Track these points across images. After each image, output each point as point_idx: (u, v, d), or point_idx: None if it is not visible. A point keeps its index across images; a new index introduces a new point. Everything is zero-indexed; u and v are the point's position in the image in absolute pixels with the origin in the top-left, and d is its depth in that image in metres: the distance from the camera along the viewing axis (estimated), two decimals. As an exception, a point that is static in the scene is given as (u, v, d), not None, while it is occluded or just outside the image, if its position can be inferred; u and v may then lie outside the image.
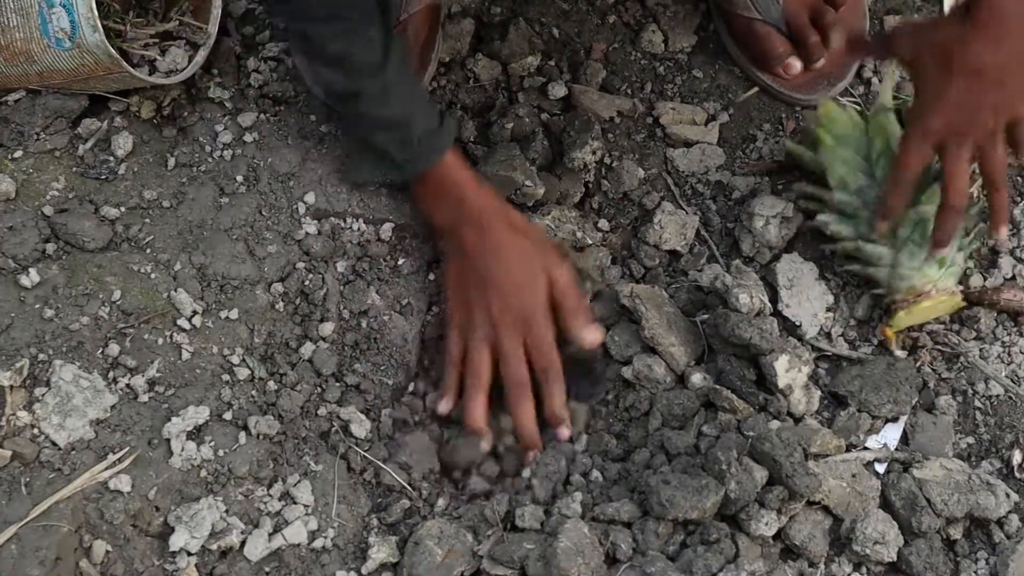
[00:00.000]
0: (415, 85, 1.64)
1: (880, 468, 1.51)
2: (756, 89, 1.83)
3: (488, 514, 1.46)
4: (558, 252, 1.61)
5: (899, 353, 1.61)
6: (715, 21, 1.87)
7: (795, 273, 1.64)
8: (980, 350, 1.63)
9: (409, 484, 1.53)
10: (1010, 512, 1.47)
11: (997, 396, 1.59)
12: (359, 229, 1.67)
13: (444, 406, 1.57)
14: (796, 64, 1.80)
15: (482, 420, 1.53)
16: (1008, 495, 1.46)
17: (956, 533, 1.47)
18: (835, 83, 1.82)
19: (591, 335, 1.56)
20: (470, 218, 1.57)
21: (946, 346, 1.63)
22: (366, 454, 1.52)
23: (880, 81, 1.85)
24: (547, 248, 1.60)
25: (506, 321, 1.53)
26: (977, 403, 1.59)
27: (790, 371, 1.52)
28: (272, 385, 1.54)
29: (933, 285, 1.56)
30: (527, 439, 1.53)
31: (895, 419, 1.56)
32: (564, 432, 1.55)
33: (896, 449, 1.53)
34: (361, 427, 1.53)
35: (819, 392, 1.56)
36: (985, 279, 1.69)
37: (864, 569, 1.45)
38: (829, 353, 1.60)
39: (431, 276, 1.69)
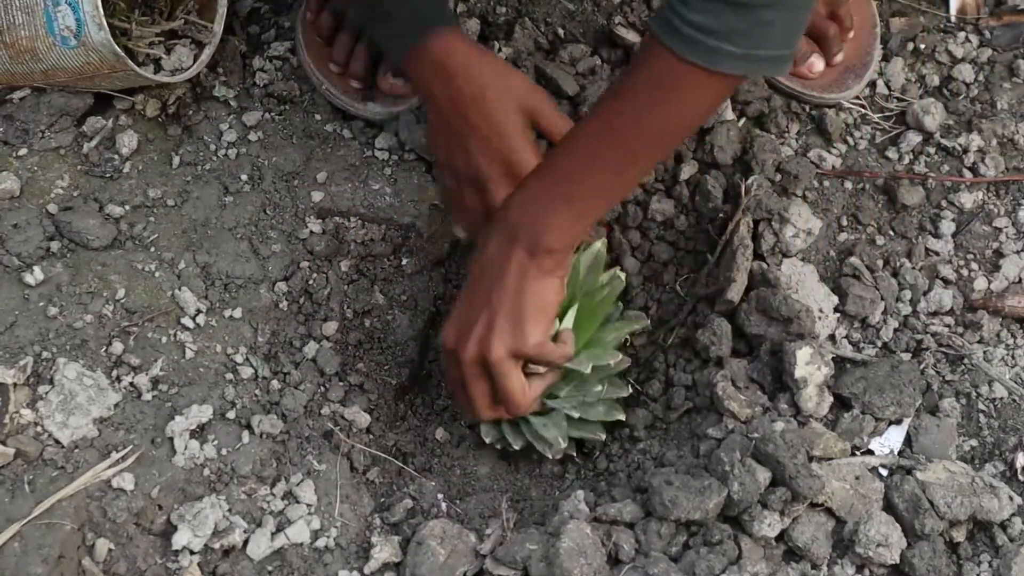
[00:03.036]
0: None
1: (883, 471, 1.51)
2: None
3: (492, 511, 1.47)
4: (545, 95, 1.57)
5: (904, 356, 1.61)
6: None
7: (798, 276, 1.64)
8: (984, 352, 1.62)
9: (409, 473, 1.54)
10: (1013, 515, 1.47)
11: (1001, 399, 1.59)
12: (363, 228, 1.67)
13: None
14: (819, 63, 1.79)
15: None
16: (1012, 498, 1.46)
17: (959, 536, 1.47)
18: (862, 75, 1.81)
19: None
20: (449, 73, 1.51)
21: (950, 348, 1.63)
22: (366, 448, 1.53)
23: (887, 83, 1.85)
24: (529, 86, 1.55)
25: (486, 161, 1.50)
26: (981, 406, 1.59)
27: (810, 365, 1.52)
28: (275, 384, 1.54)
29: None
30: None
31: (898, 421, 1.55)
32: None
33: (899, 452, 1.53)
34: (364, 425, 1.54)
35: (831, 397, 1.56)
36: (989, 282, 1.69)
37: (867, 571, 1.44)
38: (834, 355, 1.60)
39: (434, 275, 1.69)
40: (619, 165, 1.39)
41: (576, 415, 1.50)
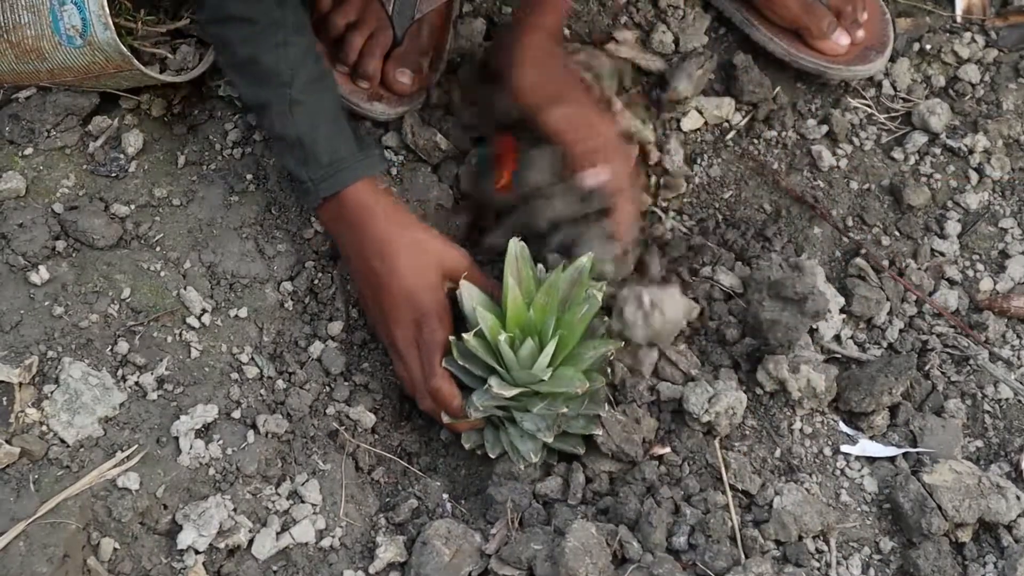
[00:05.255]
0: (330, 107, 1.56)
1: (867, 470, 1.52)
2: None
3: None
4: (462, 255, 1.57)
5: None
6: (742, 24, 1.85)
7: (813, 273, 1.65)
8: (989, 353, 1.62)
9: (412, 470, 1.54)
10: (1020, 516, 1.47)
11: (1006, 400, 1.59)
12: (368, 228, 1.67)
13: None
14: (844, 38, 1.81)
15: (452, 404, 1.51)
16: (1019, 498, 1.46)
17: (964, 536, 1.46)
18: (883, 51, 1.83)
19: None
20: (362, 232, 1.54)
21: (955, 349, 1.63)
22: (371, 448, 1.53)
23: (892, 83, 1.85)
24: (448, 249, 1.56)
25: (399, 325, 1.53)
26: (986, 406, 1.59)
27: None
28: (281, 384, 1.54)
29: None
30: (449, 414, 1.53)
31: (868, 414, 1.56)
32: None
33: (904, 452, 1.53)
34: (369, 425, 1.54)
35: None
36: (995, 283, 1.68)
37: (871, 571, 1.44)
38: (839, 356, 1.60)
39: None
40: None
41: (546, 438, 1.49)
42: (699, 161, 1.80)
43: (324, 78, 1.56)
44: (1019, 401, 1.59)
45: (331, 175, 1.52)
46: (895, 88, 1.85)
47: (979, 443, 1.57)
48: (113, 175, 1.64)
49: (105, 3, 1.52)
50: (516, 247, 1.49)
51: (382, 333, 1.57)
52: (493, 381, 1.45)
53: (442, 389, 1.49)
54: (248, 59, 1.50)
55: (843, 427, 1.55)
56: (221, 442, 1.46)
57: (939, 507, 1.44)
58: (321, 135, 1.52)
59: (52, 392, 1.45)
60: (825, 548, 1.45)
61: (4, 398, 1.44)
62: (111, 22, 1.52)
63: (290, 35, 1.50)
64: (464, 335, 1.45)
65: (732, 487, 1.47)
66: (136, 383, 1.48)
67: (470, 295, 1.49)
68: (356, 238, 1.54)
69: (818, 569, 1.43)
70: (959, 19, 1.91)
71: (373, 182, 1.55)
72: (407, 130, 1.73)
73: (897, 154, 1.79)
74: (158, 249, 1.59)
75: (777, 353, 1.55)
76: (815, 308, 1.52)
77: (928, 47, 1.88)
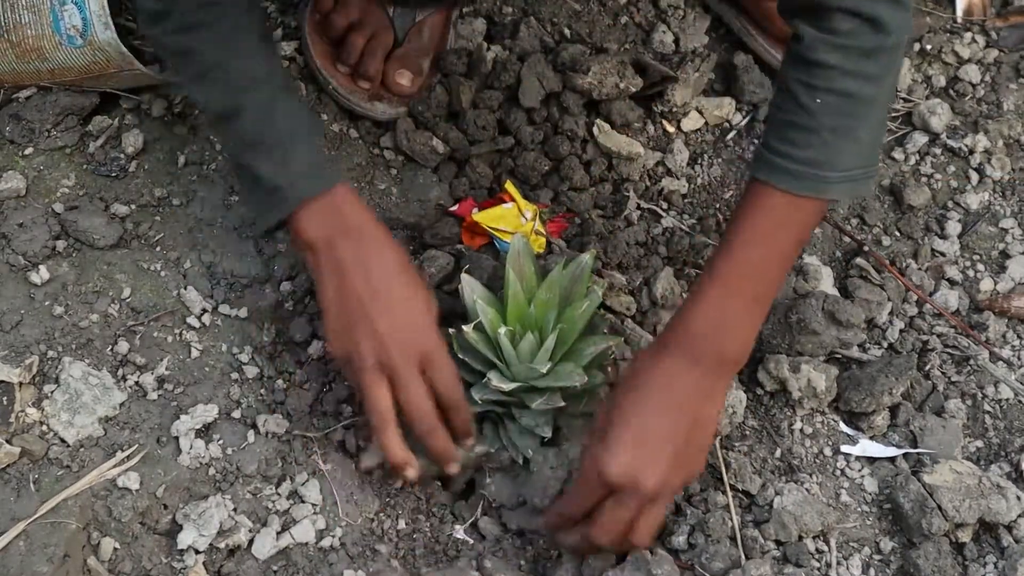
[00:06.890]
0: (305, 112, 1.48)
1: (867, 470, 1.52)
2: None
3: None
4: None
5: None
6: (739, 32, 1.86)
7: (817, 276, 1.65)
8: (990, 353, 1.62)
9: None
10: (1020, 516, 1.47)
11: (1007, 400, 1.59)
12: (369, 228, 1.66)
13: (366, 461, 1.48)
14: None
15: (403, 452, 1.39)
16: (1019, 498, 1.46)
17: (965, 537, 1.46)
18: None
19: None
20: (354, 235, 1.39)
21: (956, 349, 1.62)
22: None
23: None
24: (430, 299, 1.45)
25: (396, 342, 1.37)
26: (987, 407, 1.59)
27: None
28: (281, 384, 1.54)
29: None
30: (443, 461, 1.44)
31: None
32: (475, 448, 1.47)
33: (905, 453, 1.53)
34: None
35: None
36: (995, 283, 1.68)
37: (872, 571, 1.44)
38: (840, 355, 1.60)
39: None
40: (772, 287, 1.38)
41: (545, 434, 1.48)
42: (700, 161, 1.80)
43: (292, 82, 1.48)
44: (1019, 401, 1.59)
45: (316, 174, 1.40)
46: (896, 88, 1.85)
47: (979, 443, 1.57)
48: (113, 175, 1.64)
49: (106, 3, 1.52)
50: (519, 243, 1.49)
51: (368, 350, 1.37)
52: (492, 375, 1.44)
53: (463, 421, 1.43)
54: (216, 64, 1.38)
55: (843, 427, 1.55)
56: (221, 442, 1.46)
57: (939, 507, 1.44)
58: (302, 134, 1.40)
59: (52, 392, 1.45)
60: (825, 548, 1.45)
61: (4, 398, 1.44)
62: (112, 22, 1.53)
63: (260, 40, 1.42)
64: (464, 327, 1.44)
65: (732, 487, 1.47)
66: (136, 383, 1.48)
67: (471, 288, 1.49)
68: (351, 241, 1.39)
69: (818, 569, 1.43)
70: (959, 19, 1.91)
71: (355, 192, 1.44)
72: (401, 134, 1.72)
73: (898, 154, 1.79)
74: (158, 249, 1.59)
75: (778, 352, 1.55)
76: (848, 337, 1.56)
77: (929, 47, 1.88)
